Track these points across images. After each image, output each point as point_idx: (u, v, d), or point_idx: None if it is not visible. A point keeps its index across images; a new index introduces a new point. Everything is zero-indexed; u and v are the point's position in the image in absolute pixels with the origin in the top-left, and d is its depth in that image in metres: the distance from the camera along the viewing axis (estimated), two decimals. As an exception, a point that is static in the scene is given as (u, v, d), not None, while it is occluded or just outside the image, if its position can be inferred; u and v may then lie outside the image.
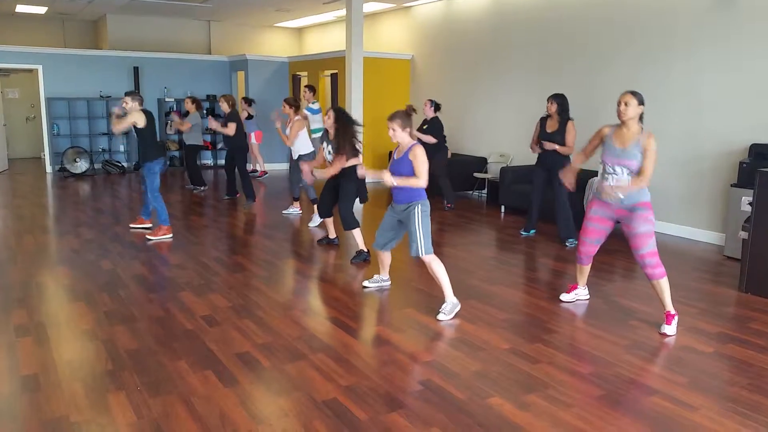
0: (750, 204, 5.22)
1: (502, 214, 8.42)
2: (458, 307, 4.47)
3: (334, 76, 12.14)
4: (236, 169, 9.03)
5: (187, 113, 9.96)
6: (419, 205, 4.39)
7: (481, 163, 9.74)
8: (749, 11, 6.40)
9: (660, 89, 7.30)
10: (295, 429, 2.87)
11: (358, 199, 5.98)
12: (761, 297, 4.97)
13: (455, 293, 4.90)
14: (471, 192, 10.11)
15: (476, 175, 9.54)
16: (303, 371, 3.48)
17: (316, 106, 9.58)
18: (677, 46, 7.09)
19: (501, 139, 9.67)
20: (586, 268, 4.69)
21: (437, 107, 8.37)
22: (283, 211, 8.23)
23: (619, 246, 6.67)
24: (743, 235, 5.16)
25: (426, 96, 11.22)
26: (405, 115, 4.43)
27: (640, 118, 4.13)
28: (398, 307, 4.62)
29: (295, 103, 7.58)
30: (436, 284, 5.03)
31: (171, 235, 6.65)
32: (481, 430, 2.89)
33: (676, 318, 4.20)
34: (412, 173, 4.33)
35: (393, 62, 11.52)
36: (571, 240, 6.60)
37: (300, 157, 7.52)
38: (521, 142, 9.28)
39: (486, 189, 9.66)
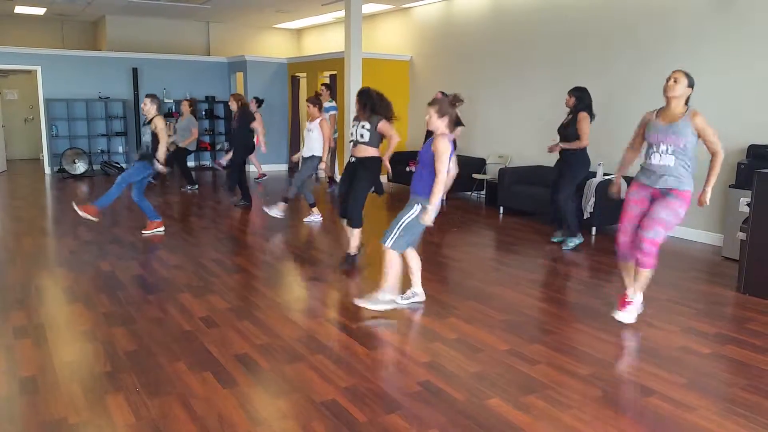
0: (748, 205, 5.22)
1: (501, 215, 8.43)
2: (387, 307, 4.30)
3: (333, 77, 12.14)
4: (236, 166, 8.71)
5: (180, 114, 9.86)
6: (420, 204, 4.16)
7: (480, 163, 9.74)
8: (748, 13, 6.41)
9: (659, 90, 7.29)
10: (294, 430, 2.87)
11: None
12: (759, 298, 4.97)
13: (455, 294, 4.91)
14: (469, 193, 10.11)
15: (475, 176, 9.54)
16: (302, 372, 3.48)
17: (330, 104, 9.58)
18: (676, 47, 7.10)
19: (500, 139, 9.67)
20: (631, 267, 4.23)
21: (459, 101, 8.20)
22: (304, 220, 7.75)
23: (617, 247, 6.68)
24: (741, 236, 5.17)
25: (425, 97, 11.22)
26: (446, 103, 4.08)
27: (687, 100, 4.00)
28: (397, 309, 4.62)
29: (318, 102, 7.31)
30: (436, 286, 5.05)
31: (163, 228, 6.80)
32: (480, 431, 2.89)
33: (630, 307, 4.21)
34: (430, 162, 4.06)
35: (392, 63, 11.53)
36: (571, 240, 6.52)
37: (313, 157, 7.26)
38: (520, 143, 9.29)
39: (485, 190, 9.66)
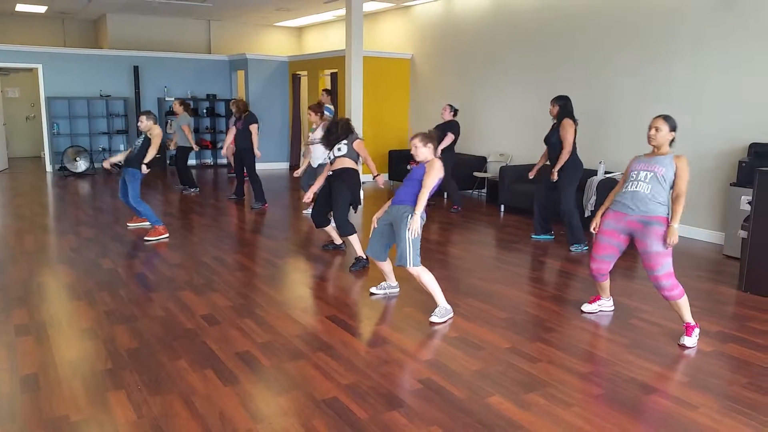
0: (749, 203, 5.22)
1: (502, 214, 8.43)
2: (451, 314, 4.37)
3: (333, 76, 12.14)
4: (245, 171, 8.78)
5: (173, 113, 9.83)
6: (413, 213, 4.23)
7: (481, 162, 9.74)
8: (750, 11, 6.40)
9: (660, 88, 7.30)
10: (295, 428, 2.87)
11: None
12: (761, 296, 4.97)
13: (456, 292, 4.92)
14: (471, 191, 10.11)
15: (476, 174, 9.54)
16: (303, 370, 3.48)
17: (329, 106, 9.58)
18: (678, 46, 7.09)
19: (501, 138, 9.67)
20: (605, 284, 4.44)
21: (455, 112, 8.35)
22: (304, 211, 8.24)
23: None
24: (742, 234, 5.17)
25: (427, 95, 11.23)
26: (427, 134, 4.39)
27: (671, 142, 4.00)
28: (398, 306, 4.62)
29: (320, 110, 7.36)
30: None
31: (167, 235, 6.65)
32: (481, 428, 2.89)
33: (697, 329, 3.98)
34: (420, 182, 4.27)
35: (393, 62, 11.52)
36: (576, 245, 6.41)
37: (320, 165, 7.30)
38: (521, 142, 9.29)
39: (485, 188, 9.67)
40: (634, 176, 4.03)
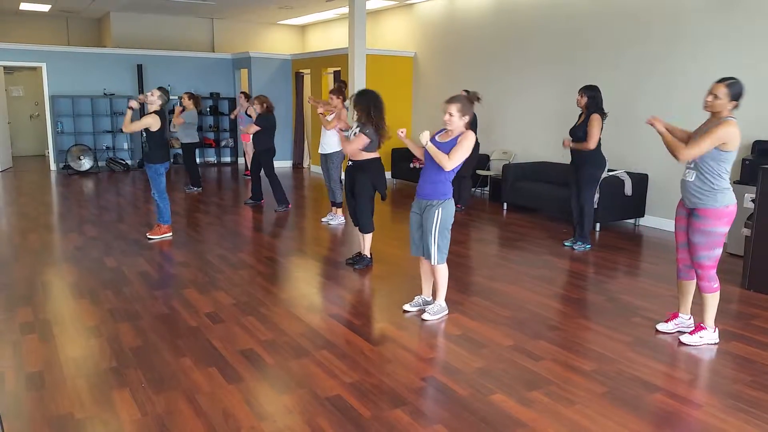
0: (753, 201, 5.21)
1: (505, 212, 8.42)
2: (445, 313, 4.35)
3: (337, 74, 12.14)
4: (262, 173, 8.39)
5: (183, 109, 9.76)
6: (441, 207, 4.10)
7: (484, 160, 9.73)
8: (754, 9, 6.38)
9: (664, 86, 7.29)
10: (299, 426, 2.88)
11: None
12: (764, 294, 4.96)
13: (458, 290, 4.92)
14: (473, 189, 10.10)
15: (479, 172, 9.53)
16: (306, 368, 3.49)
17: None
18: (682, 45, 7.07)
19: (504, 136, 9.66)
20: (687, 285, 4.06)
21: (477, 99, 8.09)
22: (322, 219, 7.57)
23: (623, 244, 6.67)
24: (746, 232, 5.16)
25: (428, 93, 11.22)
26: (467, 101, 3.99)
27: (734, 109, 3.65)
28: (402, 304, 4.62)
29: (341, 93, 7.04)
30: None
31: (170, 234, 6.65)
32: (484, 426, 2.90)
33: (704, 332, 3.92)
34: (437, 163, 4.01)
35: (396, 59, 11.51)
36: (580, 244, 6.35)
37: (330, 155, 7.15)
38: (524, 140, 9.28)
39: (488, 186, 9.66)
40: (687, 162, 3.82)
